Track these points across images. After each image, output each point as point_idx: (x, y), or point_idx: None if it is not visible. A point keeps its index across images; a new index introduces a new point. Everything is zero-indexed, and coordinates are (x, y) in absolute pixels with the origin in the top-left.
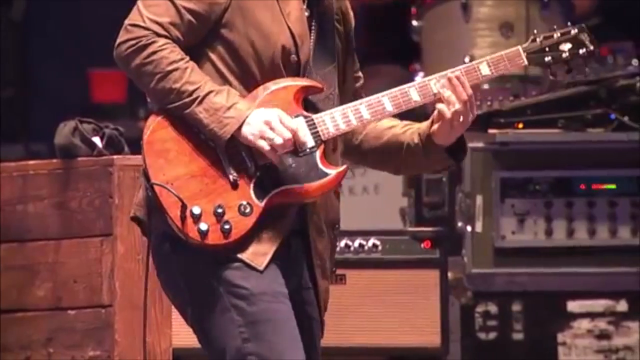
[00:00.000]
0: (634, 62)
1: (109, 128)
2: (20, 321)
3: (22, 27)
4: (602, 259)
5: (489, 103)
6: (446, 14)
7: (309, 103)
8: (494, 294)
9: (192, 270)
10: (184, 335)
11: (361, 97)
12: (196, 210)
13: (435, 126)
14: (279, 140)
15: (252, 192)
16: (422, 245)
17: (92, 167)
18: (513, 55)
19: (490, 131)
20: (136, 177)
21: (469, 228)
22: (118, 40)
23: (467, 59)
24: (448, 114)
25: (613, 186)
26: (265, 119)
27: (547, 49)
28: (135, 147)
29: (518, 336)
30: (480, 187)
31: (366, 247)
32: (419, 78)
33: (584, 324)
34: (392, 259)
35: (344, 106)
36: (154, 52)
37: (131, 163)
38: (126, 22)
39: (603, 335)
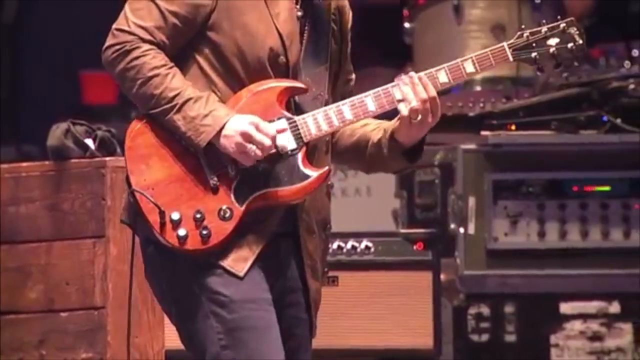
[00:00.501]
0: (626, 64)
1: (101, 130)
2: (13, 323)
3: (13, 29)
4: (594, 260)
5: (481, 105)
6: (438, 16)
7: (295, 104)
8: (487, 296)
9: (174, 275)
10: (176, 337)
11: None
12: (175, 216)
13: (397, 123)
14: (259, 152)
15: (232, 195)
16: (415, 247)
17: (85, 168)
18: (498, 51)
19: (483, 133)
20: None
21: (461, 230)
22: (105, 45)
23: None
24: (405, 111)
25: (605, 188)
26: (242, 130)
27: (534, 44)
28: None
29: (511, 338)
30: (472, 188)
31: (359, 249)
32: None
33: (577, 326)
34: (384, 261)
35: (327, 107)
36: (137, 58)
37: (123, 165)
38: (113, 26)
39: (595, 337)
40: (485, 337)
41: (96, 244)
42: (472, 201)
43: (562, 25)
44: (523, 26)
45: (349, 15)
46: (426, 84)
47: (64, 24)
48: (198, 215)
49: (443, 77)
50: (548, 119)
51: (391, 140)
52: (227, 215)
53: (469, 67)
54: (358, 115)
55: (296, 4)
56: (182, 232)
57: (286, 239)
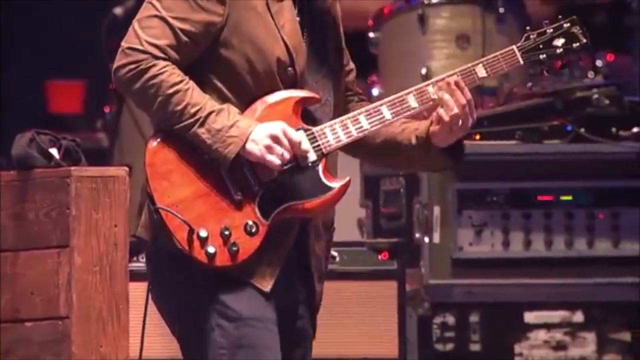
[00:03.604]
0: (590, 74)
1: (66, 139)
2: None
3: None
4: (558, 270)
5: None
6: (403, 26)
7: (306, 111)
8: (452, 305)
9: (187, 286)
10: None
11: (355, 90)
12: (203, 233)
13: (435, 128)
14: (287, 155)
15: (257, 210)
16: (380, 257)
17: (49, 178)
18: (508, 55)
19: None
20: (93, 188)
21: (426, 239)
22: (116, 64)
23: (423, 71)
24: (446, 117)
25: (569, 198)
26: (271, 132)
27: (541, 45)
28: (93, 158)
29: (475, 347)
30: (437, 198)
31: None
32: (376, 90)
33: (541, 335)
34: (349, 271)
35: (344, 117)
36: (154, 76)
37: (88, 174)
38: (123, 44)
39: (559, 346)
40: (450, 347)
41: (60, 253)
42: (437, 210)
43: (566, 25)
44: (528, 27)
45: (338, 8)
46: (463, 88)
47: (31, 32)
48: (226, 232)
49: None
50: (512, 128)
51: (428, 142)
52: (254, 230)
53: (481, 72)
54: (374, 124)
55: (295, 9)
56: (211, 249)
57: (296, 245)
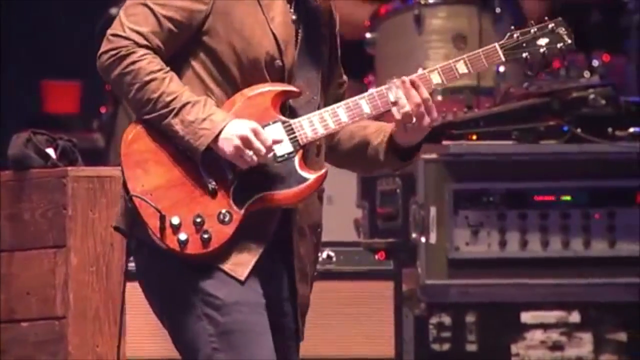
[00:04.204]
0: (586, 74)
1: (63, 139)
2: None
3: None
4: (555, 270)
5: (442, 114)
6: (399, 26)
7: (290, 108)
8: (448, 305)
9: (168, 278)
10: (137, 347)
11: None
12: (175, 220)
13: (394, 127)
14: (255, 159)
15: (231, 199)
16: (376, 257)
17: (46, 178)
18: (490, 52)
19: (444, 142)
20: (90, 189)
21: (423, 239)
22: (100, 51)
23: (420, 71)
24: (398, 115)
25: (566, 198)
26: (241, 134)
27: (524, 44)
28: (89, 158)
29: (472, 347)
30: (434, 198)
31: (320, 259)
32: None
33: (537, 335)
34: (346, 271)
35: (322, 110)
36: (133, 62)
37: (85, 174)
38: (108, 32)
39: (556, 346)
40: (446, 347)
41: (57, 253)
42: (433, 211)
43: (551, 25)
44: (512, 27)
45: (337, 19)
46: (419, 87)
47: (26, 32)
48: (198, 220)
49: (436, 78)
50: (509, 128)
51: (390, 142)
52: (227, 219)
53: (462, 68)
54: (353, 117)
55: (290, 7)
56: (182, 236)
57: (278, 243)
